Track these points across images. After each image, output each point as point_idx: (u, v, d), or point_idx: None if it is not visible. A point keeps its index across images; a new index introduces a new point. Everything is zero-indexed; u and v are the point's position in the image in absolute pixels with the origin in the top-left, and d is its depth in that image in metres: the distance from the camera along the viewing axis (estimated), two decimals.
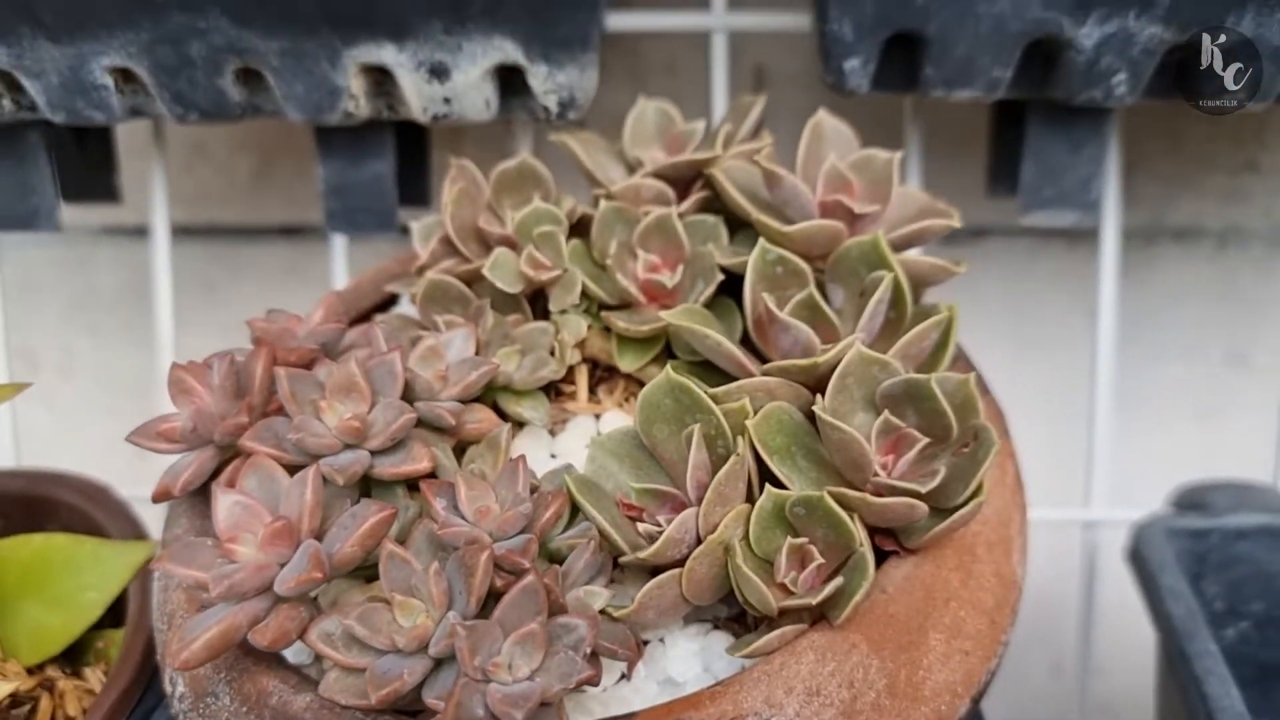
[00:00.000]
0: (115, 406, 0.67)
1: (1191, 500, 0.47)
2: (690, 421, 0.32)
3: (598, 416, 0.38)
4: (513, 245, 0.37)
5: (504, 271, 0.37)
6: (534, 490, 0.33)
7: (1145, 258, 0.59)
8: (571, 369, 0.39)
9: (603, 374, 0.39)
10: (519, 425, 0.37)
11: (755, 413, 0.32)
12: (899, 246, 0.36)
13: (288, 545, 0.28)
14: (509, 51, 0.39)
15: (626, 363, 0.37)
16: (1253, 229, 0.58)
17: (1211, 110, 0.40)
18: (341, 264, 0.50)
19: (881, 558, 0.31)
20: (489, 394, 0.37)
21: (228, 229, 0.64)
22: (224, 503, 0.29)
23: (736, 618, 0.32)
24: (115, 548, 0.40)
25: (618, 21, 0.47)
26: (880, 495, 0.29)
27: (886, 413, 0.31)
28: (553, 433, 0.38)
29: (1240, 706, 0.36)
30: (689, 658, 0.31)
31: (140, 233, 0.59)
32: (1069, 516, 0.50)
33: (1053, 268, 0.59)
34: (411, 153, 0.48)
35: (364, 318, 0.42)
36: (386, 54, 0.39)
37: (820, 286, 0.36)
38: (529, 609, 0.27)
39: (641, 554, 0.30)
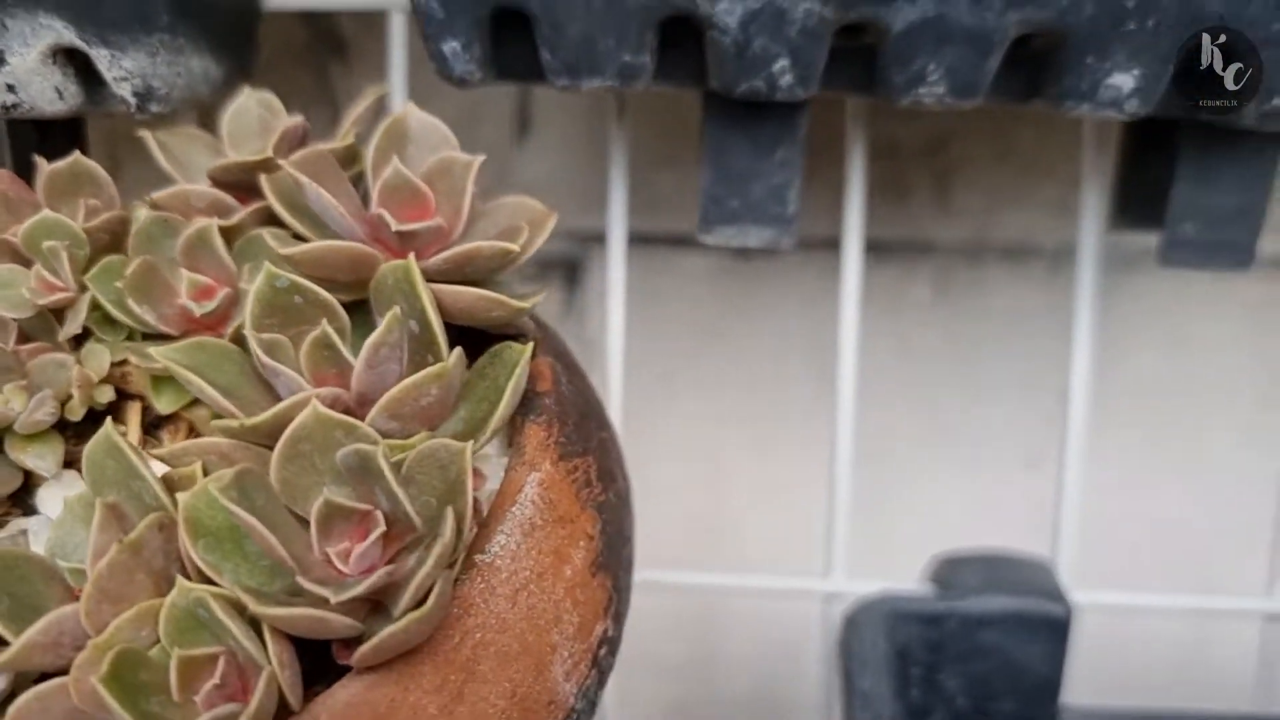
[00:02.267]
0: None
1: (943, 575, 0.40)
2: (134, 489, 0.26)
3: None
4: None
5: (8, 292, 0.31)
6: None
7: (970, 279, 0.51)
8: (120, 405, 0.33)
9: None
10: None
11: None
12: (452, 273, 0.29)
13: None
14: (60, 32, 0.33)
15: (164, 403, 0.31)
16: None
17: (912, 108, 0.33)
18: None
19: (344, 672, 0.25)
20: (4, 437, 0.32)
21: None
22: None
23: None
24: None
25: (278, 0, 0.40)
26: (290, 604, 0.23)
27: (328, 492, 0.24)
28: None
29: None
30: None
31: None
32: (805, 587, 0.43)
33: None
34: (63, 145, 0.42)
35: None
36: None
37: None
38: None
39: None
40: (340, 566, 0.25)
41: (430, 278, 0.28)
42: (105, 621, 0.24)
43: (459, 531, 0.24)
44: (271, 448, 0.26)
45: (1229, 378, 0.50)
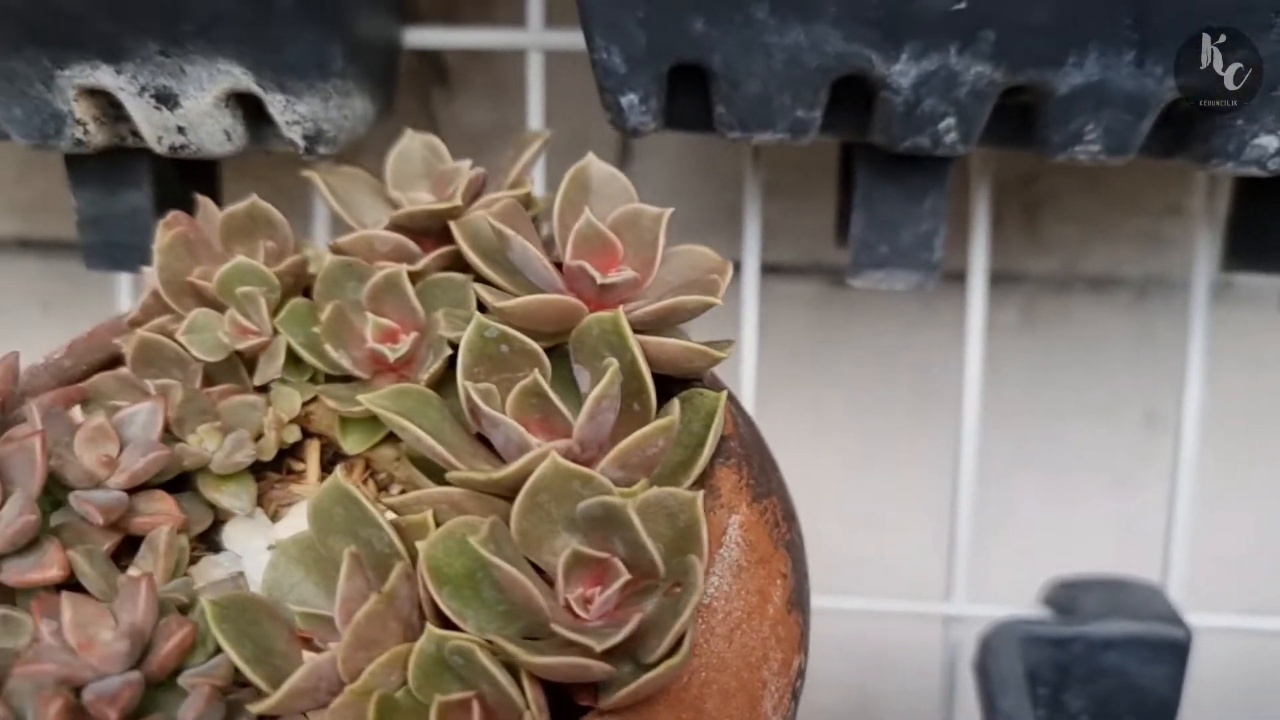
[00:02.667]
0: None
1: (1061, 599, 0.41)
2: (363, 536, 0.27)
3: None
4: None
5: (203, 336, 0.32)
6: (186, 609, 0.28)
7: (1057, 307, 0.53)
8: (302, 444, 0.34)
9: (340, 451, 0.34)
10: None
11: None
12: (651, 324, 0.30)
13: None
14: (238, 78, 0.34)
15: (351, 444, 0.32)
16: (1175, 278, 0.52)
17: (1067, 162, 0.34)
18: (128, 297, 0.46)
19: (580, 713, 0.26)
20: (196, 476, 0.32)
21: (69, 243, 0.60)
22: None
23: None
24: None
25: (418, 38, 0.41)
26: (550, 651, 0.24)
27: (574, 542, 0.25)
28: (276, 517, 0.33)
29: None
30: None
31: None
32: (927, 610, 0.44)
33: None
34: (198, 181, 0.43)
35: (96, 372, 0.37)
36: (104, 77, 0.34)
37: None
38: None
39: (255, 707, 0.25)
40: (580, 612, 0.26)
41: (634, 328, 0.29)
42: (359, 668, 0.25)
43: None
44: (500, 496, 0.27)
45: None
